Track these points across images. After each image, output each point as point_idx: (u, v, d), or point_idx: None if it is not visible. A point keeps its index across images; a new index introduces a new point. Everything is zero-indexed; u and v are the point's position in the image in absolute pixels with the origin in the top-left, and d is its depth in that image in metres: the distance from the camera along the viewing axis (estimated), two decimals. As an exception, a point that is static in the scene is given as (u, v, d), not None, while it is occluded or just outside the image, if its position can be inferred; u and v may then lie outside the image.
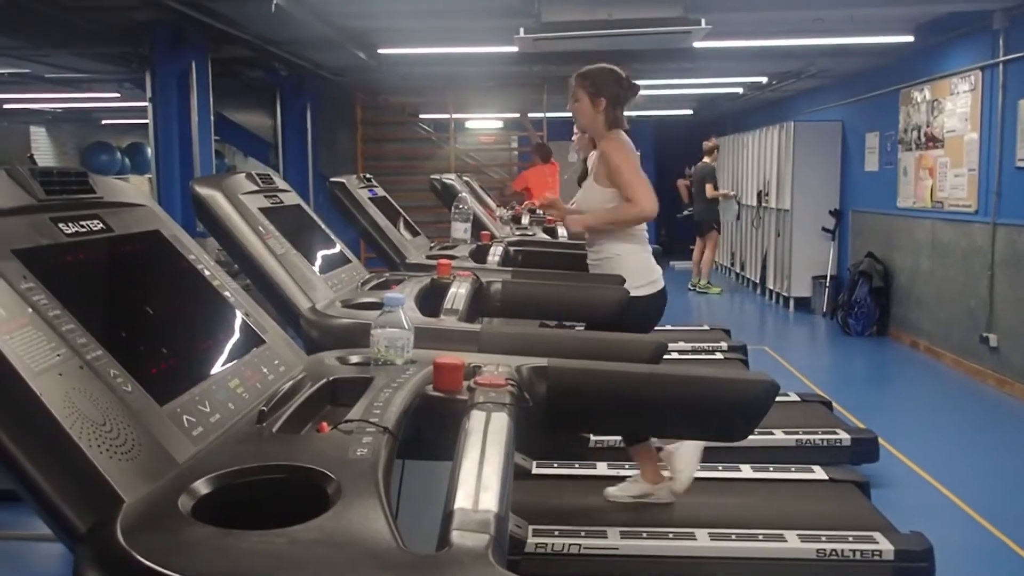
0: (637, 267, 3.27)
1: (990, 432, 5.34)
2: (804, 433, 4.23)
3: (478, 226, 4.70)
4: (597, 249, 3.36)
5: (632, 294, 3.15)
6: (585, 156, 6.52)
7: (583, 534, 3.06)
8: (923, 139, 7.40)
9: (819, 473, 3.67)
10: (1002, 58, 6.13)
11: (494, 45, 7.23)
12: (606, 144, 3.25)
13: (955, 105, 6.86)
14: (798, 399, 4.91)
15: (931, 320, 7.35)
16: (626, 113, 3.32)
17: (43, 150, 15.36)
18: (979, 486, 4.28)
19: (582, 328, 3.53)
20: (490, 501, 1.08)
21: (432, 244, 4.22)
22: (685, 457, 3.18)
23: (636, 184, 3.19)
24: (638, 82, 3.33)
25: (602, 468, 3.77)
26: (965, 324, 6.70)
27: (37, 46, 7.04)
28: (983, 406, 5.91)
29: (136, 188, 1.83)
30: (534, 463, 3.77)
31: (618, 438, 4.00)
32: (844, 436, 4.26)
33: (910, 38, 6.96)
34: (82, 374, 1.17)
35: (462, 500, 1.09)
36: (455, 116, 11.53)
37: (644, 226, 3.35)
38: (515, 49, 6.54)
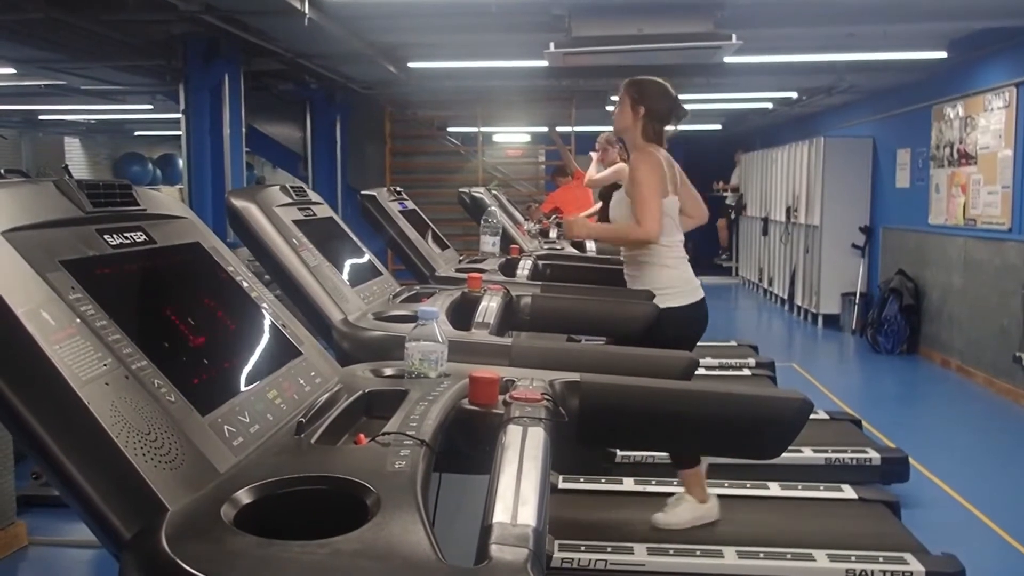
0: (673, 277, 3.25)
1: (1023, 453, 5.25)
2: (833, 451, 4.20)
3: (507, 240, 4.71)
4: (632, 257, 3.33)
5: (670, 304, 3.15)
6: (610, 163, 6.51)
7: (609, 549, 3.05)
8: (956, 156, 7.33)
9: (848, 492, 3.64)
10: (1037, 75, 6.08)
11: (524, 59, 7.27)
12: (636, 156, 3.25)
13: (988, 122, 6.79)
14: (827, 417, 4.87)
15: (963, 338, 7.26)
16: None
17: (76, 161, 15.61)
18: (1012, 507, 4.21)
19: (601, 343, 3.53)
20: (528, 516, 1.09)
21: (461, 257, 4.24)
22: (691, 515, 3.23)
23: (646, 207, 3.14)
24: None
25: (629, 484, 3.76)
26: (997, 343, 6.61)
27: (75, 59, 7.16)
28: (1016, 426, 5.83)
29: (176, 200, 1.86)
30: (560, 477, 3.77)
31: (645, 454, 4.01)
32: (874, 455, 4.22)
33: (943, 54, 6.90)
34: (128, 384, 1.19)
35: (500, 514, 1.09)
36: (483, 129, 11.58)
37: (682, 236, 3.33)
38: (545, 63, 6.57)
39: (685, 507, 3.23)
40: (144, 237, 1.51)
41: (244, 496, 1.14)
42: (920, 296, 8.03)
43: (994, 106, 6.71)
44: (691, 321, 3.26)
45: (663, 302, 3.14)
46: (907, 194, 8.46)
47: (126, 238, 1.46)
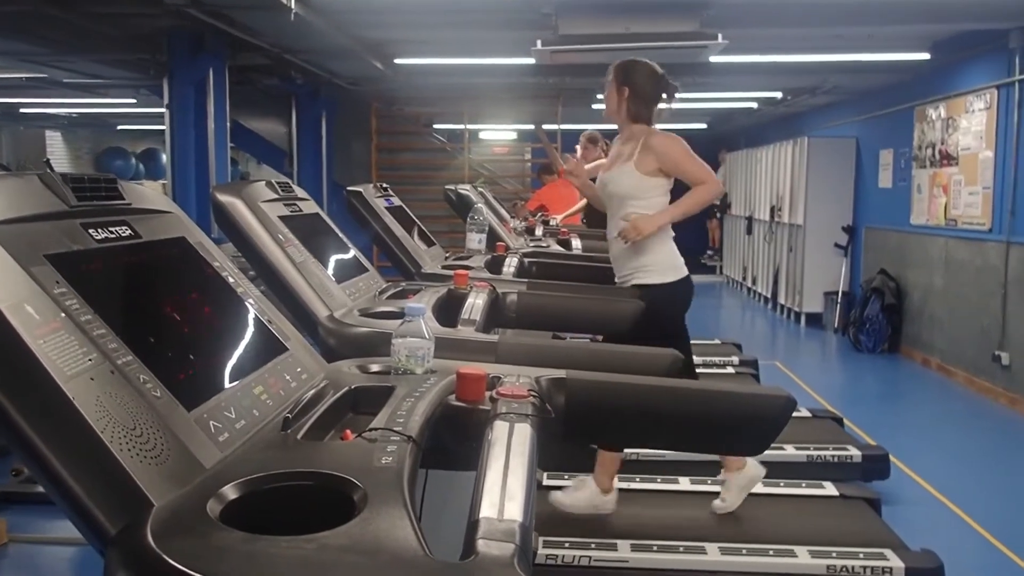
0: (664, 255, 3.31)
1: (1002, 451, 5.31)
2: (815, 449, 4.23)
3: (493, 237, 4.72)
4: (614, 240, 3.34)
5: (662, 280, 3.24)
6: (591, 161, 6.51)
7: (593, 546, 3.06)
8: (937, 156, 7.39)
9: (830, 489, 3.67)
10: (1018, 77, 6.13)
11: (511, 56, 7.27)
12: (661, 139, 3.28)
13: (970, 123, 6.85)
14: (809, 415, 4.91)
15: (943, 338, 7.32)
16: None
17: (58, 154, 15.47)
18: (990, 504, 4.26)
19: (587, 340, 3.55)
20: (515, 511, 1.09)
21: (447, 254, 4.24)
22: (735, 487, 3.31)
23: (703, 170, 3.28)
24: None
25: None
26: (977, 342, 6.68)
27: (57, 52, 7.11)
28: (995, 425, 5.89)
29: (162, 195, 1.85)
30: (544, 474, 3.78)
31: (629, 451, 4.02)
32: (855, 452, 4.25)
33: (926, 56, 6.96)
34: (113, 379, 1.18)
35: (487, 510, 1.10)
36: (470, 127, 11.58)
37: None
38: (532, 61, 6.57)
39: (585, 493, 3.30)
40: (129, 232, 1.50)
41: (230, 491, 1.14)
42: (901, 296, 8.09)
43: (975, 108, 6.77)
44: (676, 297, 3.33)
45: (650, 278, 3.23)
46: (889, 194, 8.53)
47: (111, 232, 1.45)
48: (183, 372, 1.34)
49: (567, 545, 3.06)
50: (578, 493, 3.33)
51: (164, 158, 7.63)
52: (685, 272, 3.36)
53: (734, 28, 5.60)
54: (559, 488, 3.65)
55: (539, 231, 6.05)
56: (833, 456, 4.22)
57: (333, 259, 2.78)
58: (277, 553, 1.00)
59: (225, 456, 1.26)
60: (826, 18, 5.91)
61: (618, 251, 3.35)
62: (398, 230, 3.71)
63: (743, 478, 3.29)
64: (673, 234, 3.38)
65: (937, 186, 7.39)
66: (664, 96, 3.31)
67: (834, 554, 3.00)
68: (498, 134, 13.27)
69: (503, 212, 6.43)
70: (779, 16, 5.91)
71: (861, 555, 2.99)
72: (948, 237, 7.23)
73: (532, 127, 11.14)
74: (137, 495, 1.09)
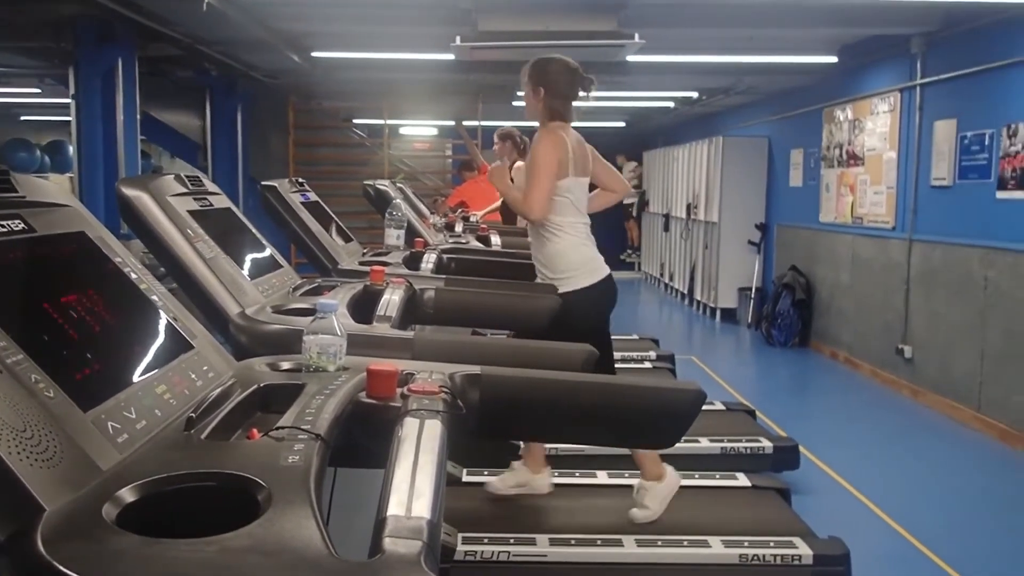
0: (580, 258, 3.29)
1: (905, 440, 5.54)
2: (729, 441, 4.34)
3: (412, 233, 4.68)
4: (539, 244, 3.35)
5: (574, 287, 3.22)
6: (510, 163, 6.56)
7: (512, 541, 3.08)
8: (845, 157, 7.65)
9: (743, 480, 3.77)
10: (919, 81, 6.39)
11: (430, 52, 7.23)
12: (538, 135, 3.27)
13: (875, 125, 7.11)
14: (723, 408, 5.03)
15: (850, 332, 7.59)
16: None
17: (-45, 146, 14.74)
18: (894, 492, 4.43)
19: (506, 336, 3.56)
20: (423, 508, 1.08)
21: (365, 250, 4.19)
22: (658, 497, 3.28)
23: (534, 185, 3.19)
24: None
25: (532, 476, 3.79)
26: (882, 336, 6.94)
27: (-47, 38, 6.78)
28: (898, 415, 6.13)
29: (61, 188, 1.78)
30: (464, 471, 3.77)
31: (548, 446, 4.05)
32: (767, 444, 4.37)
33: (834, 59, 7.20)
34: (1, 379, 1.13)
35: (395, 507, 1.09)
36: (389, 122, 11.48)
37: (586, 219, 3.37)
38: (451, 57, 6.55)
39: (651, 495, 3.27)
40: (23, 225, 1.44)
41: (127, 494, 1.10)
42: (811, 291, 8.35)
43: (880, 110, 7.03)
44: (597, 300, 3.31)
45: (567, 285, 3.20)
46: (800, 193, 8.79)
47: (2, 226, 1.39)
48: (79, 372, 1.29)
49: (486, 541, 3.06)
50: (509, 475, 3.38)
51: (71, 151, 7.33)
52: (605, 272, 3.34)
53: (651, 28, 5.69)
54: (480, 484, 3.66)
55: (459, 227, 6.04)
56: (746, 448, 4.33)
57: (246, 255, 2.71)
58: (176, 556, 0.97)
59: (124, 458, 1.21)
60: (739, 20, 6.05)
61: (536, 256, 3.37)
62: (314, 225, 3.64)
63: (665, 488, 3.29)
64: (592, 239, 3.37)
65: (844, 185, 7.65)
66: (581, 91, 3.31)
67: (746, 543, 3.08)
68: (419, 130, 13.19)
69: (423, 208, 6.39)
70: (694, 17, 6.03)
71: (772, 544, 3.08)
72: (855, 235, 7.49)
73: (453, 123, 11.12)
74: (26, 500, 1.04)
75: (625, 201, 14.33)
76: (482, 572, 2.99)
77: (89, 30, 6.43)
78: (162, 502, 1.13)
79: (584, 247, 3.32)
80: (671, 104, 11.27)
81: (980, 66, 5.62)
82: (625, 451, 3.53)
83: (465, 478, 3.73)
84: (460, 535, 3.07)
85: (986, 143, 5.56)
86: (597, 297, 3.31)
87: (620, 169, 11.55)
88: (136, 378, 1.42)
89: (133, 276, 1.67)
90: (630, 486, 3.55)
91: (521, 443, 3.47)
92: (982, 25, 5.61)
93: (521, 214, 3.37)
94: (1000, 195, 5.40)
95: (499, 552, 3.02)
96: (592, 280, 3.28)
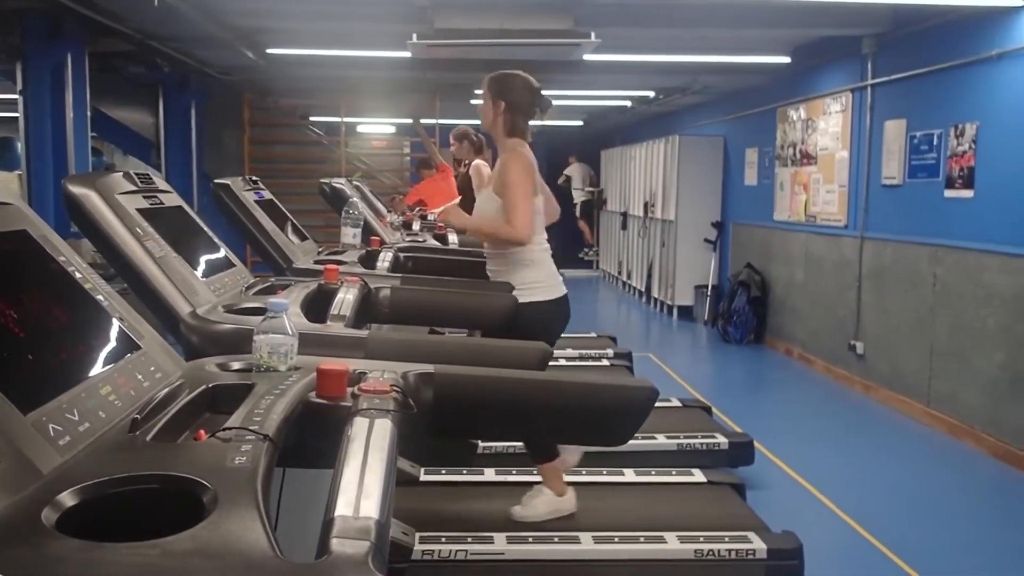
0: (538, 273, 3.26)
1: (857, 435, 5.63)
2: (685, 437, 4.38)
3: (368, 231, 4.66)
4: (497, 252, 3.32)
5: (535, 299, 3.18)
6: (467, 164, 6.56)
7: (469, 540, 3.07)
8: (798, 156, 7.77)
9: (698, 476, 3.80)
10: (870, 81, 6.51)
11: (387, 50, 7.18)
12: (507, 157, 3.23)
13: (827, 124, 7.23)
14: (679, 404, 5.07)
15: (804, 329, 7.71)
16: None
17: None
18: (846, 487, 4.51)
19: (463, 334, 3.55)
20: (371, 508, 1.08)
21: (320, 249, 4.16)
22: (549, 506, 3.29)
23: (519, 210, 3.14)
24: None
25: (490, 474, 3.80)
26: (835, 333, 7.06)
27: None
28: (850, 410, 6.24)
29: (3, 185, 1.73)
30: (422, 470, 3.76)
31: (506, 444, 4.05)
32: (722, 440, 4.42)
33: (787, 59, 7.29)
34: (-63, 381, 1.10)
35: (343, 508, 1.08)
36: (347, 120, 11.39)
37: (544, 231, 3.35)
38: (408, 55, 6.52)
39: (542, 500, 3.29)
40: (-39, 224, 1.41)
41: (68, 498, 1.08)
42: (766, 289, 8.46)
43: (832, 110, 7.14)
44: (554, 316, 3.29)
45: (527, 296, 3.16)
46: (755, 191, 8.90)
47: (-61, 225, 1.35)
48: (19, 373, 1.26)
49: (444, 540, 3.05)
50: (535, 501, 3.29)
51: (19, 148, 7.16)
52: (563, 291, 3.31)
53: (607, 27, 5.71)
54: (438, 484, 3.65)
55: (416, 226, 6.02)
56: (701, 444, 4.37)
57: (198, 254, 2.67)
58: (117, 560, 0.95)
59: (65, 461, 1.19)
60: (694, 20, 6.10)
61: (496, 268, 3.33)
62: (268, 224, 3.60)
63: (560, 503, 3.28)
64: (549, 251, 3.34)
65: (798, 184, 7.77)
66: (538, 111, 3.29)
67: (701, 539, 3.11)
68: (376, 128, 13.11)
69: (380, 206, 6.36)
70: (649, 16, 6.07)
71: (726, 539, 3.11)
72: (808, 233, 7.60)
73: (411, 121, 11.08)
74: (-38, 505, 1.01)
75: (580, 200, 14.49)
76: (440, 571, 2.99)
77: (37, 24, 6.28)
78: (104, 505, 1.11)
79: (549, 263, 3.32)
80: (628, 103, 11.33)
81: (928, 67, 5.74)
82: (588, 449, 3.54)
83: (423, 477, 3.72)
84: (418, 534, 3.05)
85: (934, 143, 5.68)
86: (555, 312, 3.28)
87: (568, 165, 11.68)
88: (80, 379, 1.39)
89: (78, 275, 1.64)
90: (588, 483, 3.57)
91: (535, 469, 3.39)
92: (930, 27, 5.72)
93: (505, 241, 3.22)
94: (948, 194, 5.52)
95: (457, 551, 3.02)
96: (551, 296, 3.26)
